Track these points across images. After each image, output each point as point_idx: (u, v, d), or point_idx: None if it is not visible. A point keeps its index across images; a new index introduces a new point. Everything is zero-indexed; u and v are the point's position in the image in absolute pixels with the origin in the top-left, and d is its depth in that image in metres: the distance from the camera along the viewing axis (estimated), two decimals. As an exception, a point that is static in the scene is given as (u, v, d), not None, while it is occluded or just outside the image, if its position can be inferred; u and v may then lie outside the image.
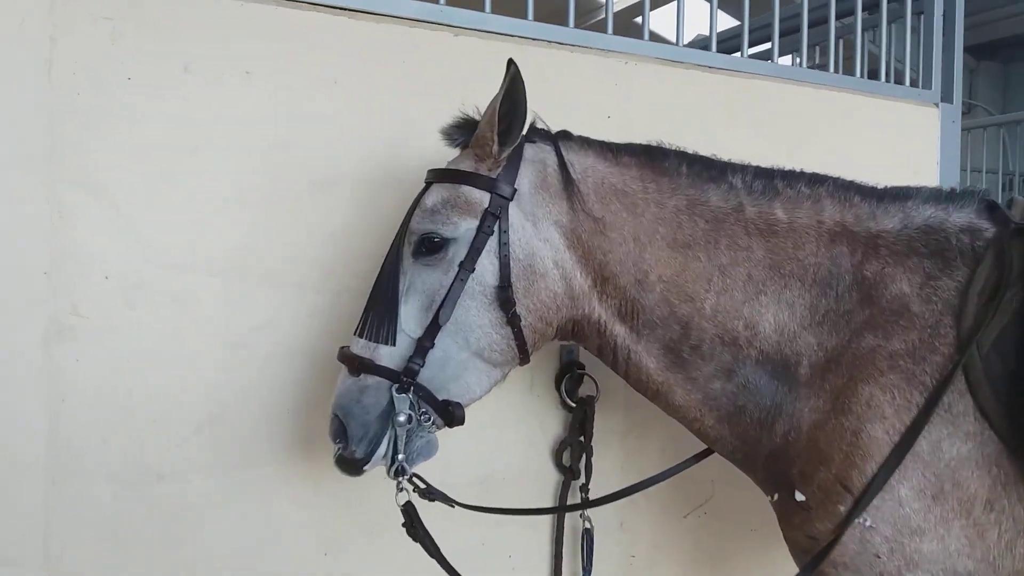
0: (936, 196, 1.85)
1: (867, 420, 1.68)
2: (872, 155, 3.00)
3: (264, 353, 2.18)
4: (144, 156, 2.05)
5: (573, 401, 2.46)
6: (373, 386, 1.82)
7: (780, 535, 2.77)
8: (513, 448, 2.45)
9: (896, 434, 1.65)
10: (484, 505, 2.12)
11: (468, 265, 1.81)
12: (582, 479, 2.45)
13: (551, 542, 2.50)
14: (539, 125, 1.97)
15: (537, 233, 1.86)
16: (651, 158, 1.93)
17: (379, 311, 1.85)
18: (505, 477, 2.44)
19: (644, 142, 1.97)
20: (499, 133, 1.82)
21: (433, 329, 1.81)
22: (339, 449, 1.87)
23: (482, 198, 1.85)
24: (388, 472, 1.86)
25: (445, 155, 2.30)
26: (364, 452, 1.83)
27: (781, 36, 3.01)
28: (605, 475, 2.49)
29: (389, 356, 1.82)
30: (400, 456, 1.83)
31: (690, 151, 1.96)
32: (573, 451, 2.46)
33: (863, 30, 3.21)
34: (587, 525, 2.41)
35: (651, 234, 1.86)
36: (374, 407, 1.82)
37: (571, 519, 2.49)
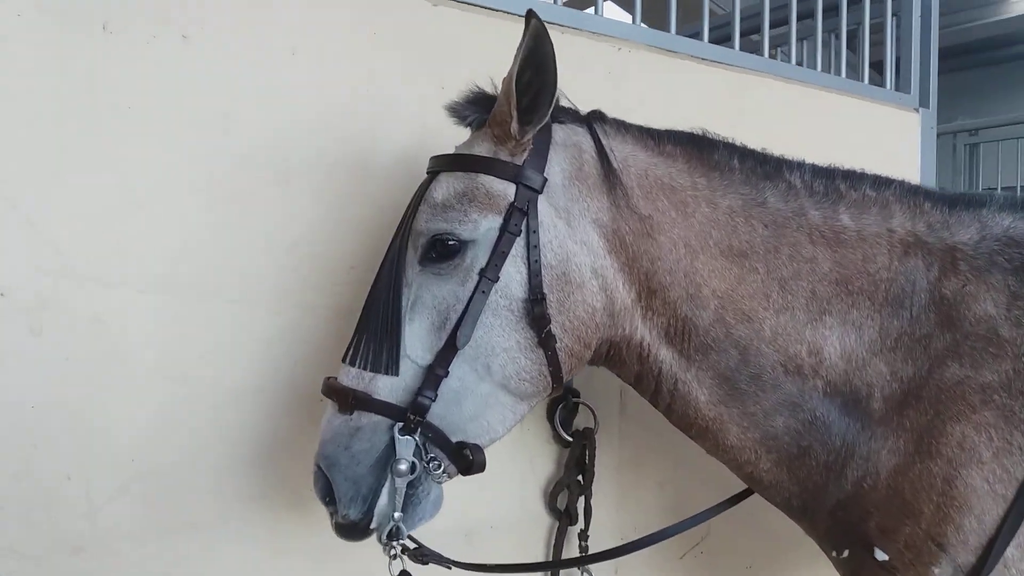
0: (1012, 204, 1.63)
1: (961, 465, 1.43)
2: (856, 157, 2.81)
3: (209, 389, 1.76)
4: (50, 138, 1.61)
5: (569, 434, 2.13)
6: (368, 427, 1.47)
7: (778, 571, 2.56)
8: (501, 492, 2.10)
9: (997, 481, 1.41)
10: (475, 562, 1.75)
11: (491, 273, 1.47)
12: (579, 523, 2.13)
13: (543, 596, 2.17)
14: (564, 103, 1.64)
15: (572, 233, 1.53)
16: (699, 149, 1.64)
17: (376, 333, 1.49)
18: (493, 526, 2.09)
19: (687, 130, 1.67)
20: (521, 109, 1.48)
21: (447, 353, 1.46)
22: (331, 512, 1.51)
23: (506, 190, 1.51)
24: (379, 536, 1.49)
25: (427, 141, 1.96)
26: (359, 513, 1.47)
27: (754, 31, 2.79)
28: (600, 512, 2.17)
29: (390, 388, 1.47)
30: (397, 514, 1.47)
31: (738, 142, 1.67)
32: (570, 492, 2.13)
33: (846, 30, 3.03)
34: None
35: (703, 239, 1.57)
36: (366, 455, 1.46)
37: (566, 571, 2.16)
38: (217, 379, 1.77)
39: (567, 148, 1.58)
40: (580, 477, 2.13)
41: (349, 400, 1.46)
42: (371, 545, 1.53)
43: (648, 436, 2.32)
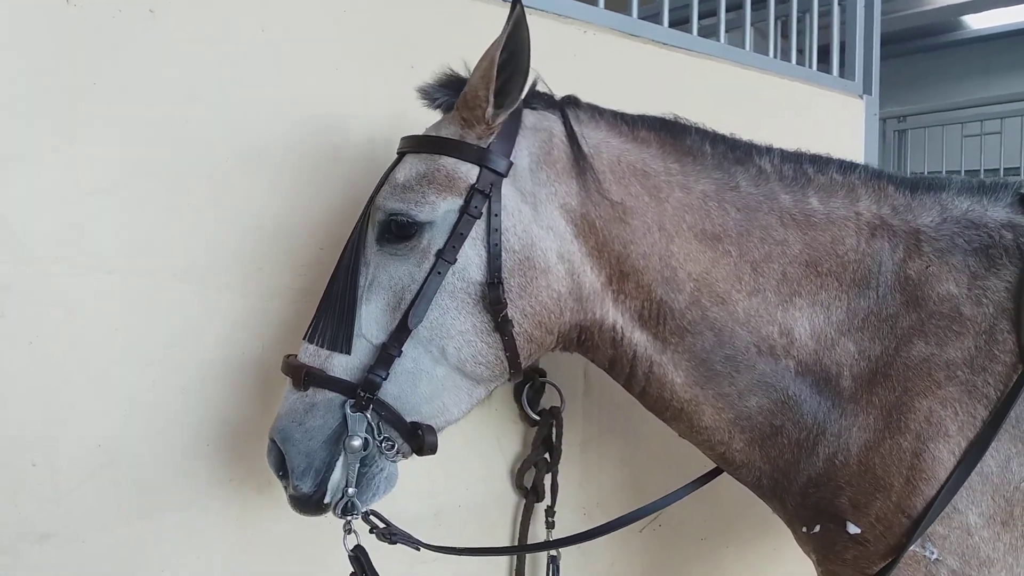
0: (969, 187, 1.70)
1: (929, 439, 1.49)
2: (804, 142, 2.89)
3: (176, 372, 1.72)
4: (10, 117, 1.54)
5: (536, 413, 2.15)
6: (322, 403, 1.48)
7: (730, 543, 2.64)
8: (469, 471, 2.11)
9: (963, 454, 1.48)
10: (443, 545, 1.75)
11: (448, 255, 1.48)
12: (546, 500, 2.16)
13: (510, 571, 2.18)
14: (540, 88, 1.65)
15: (537, 218, 1.54)
16: (672, 134, 1.66)
17: (333, 311, 1.50)
18: (461, 504, 2.10)
19: (659, 115, 1.69)
20: (495, 92, 1.48)
21: (400, 334, 1.47)
22: (285, 486, 1.53)
23: (468, 172, 1.51)
24: (333, 508, 1.51)
25: (396, 121, 1.94)
26: (312, 486, 1.49)
27: (706, 15, 2.84)
28: (564, 488, 2.19)
29: (344, 366, 1.48)
30: (351, 490, 1.49)
31: (708, 127, 1.70)
32: (537, 469, 2.15)
33: (796, 16, 3.10)
34: (552, 552, 2.12)
35: (677, 223, 1.59)
36: (319, 430, 1.48)
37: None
38: (184, 362, 1.73)
39: (537, 133, 1.58)
40: (547, 455, 2.15)
41: (302, 376, 1.47)
42: (340, 529, 1.55)
43: (610, 415, 2.36)
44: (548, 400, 2.19)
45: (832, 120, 3.09)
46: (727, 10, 2.85)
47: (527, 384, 2.16)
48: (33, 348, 1.55)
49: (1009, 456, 1.47)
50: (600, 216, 1.56)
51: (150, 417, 1.68)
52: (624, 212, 1.57)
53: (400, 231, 1.50)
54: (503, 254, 1.50)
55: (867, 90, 3.24)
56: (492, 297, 1.49)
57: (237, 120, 1.78)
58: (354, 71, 1.92)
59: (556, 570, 2.12)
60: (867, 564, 1.52)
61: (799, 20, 3.14)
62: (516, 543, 2.17)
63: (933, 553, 1.47)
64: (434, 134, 1.58)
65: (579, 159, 1.57)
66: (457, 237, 1.48)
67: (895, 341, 1.57)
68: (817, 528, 1.61)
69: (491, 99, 1.48)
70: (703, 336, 1.59)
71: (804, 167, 1.68)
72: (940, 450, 1.48)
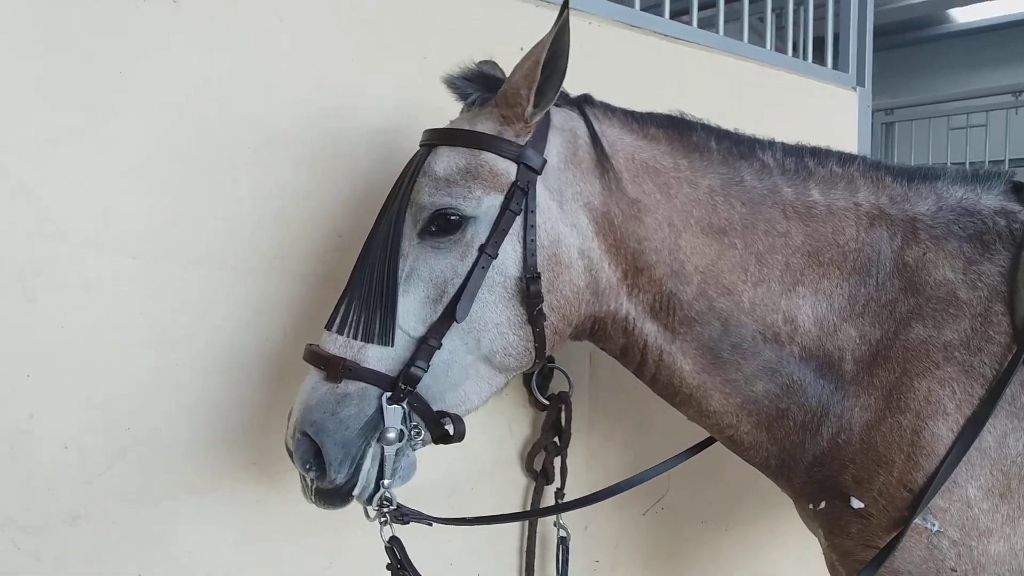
0: (963, 176, 1.77)
1: (928, 417, 1.56)
2: (798, 134, 2.96)
3: (200, 355, 1.76)
4: (40, 104, 1.58)
5: (545, 398, 2.21)
6: (355, 393, 1.49)
7: (730, 525, 2.71)
8: (481, 454, 2.17)
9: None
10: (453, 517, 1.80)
11: (491, 250, 1.52)
12: (555, 482, 2.22)
13: (520, 553, 2.25)
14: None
15: (563, 216, 1.59)
16: (679, 131, 1.72)
17: (369, 303, 1.51)
18: (473, 487, 2.16)
19: (666, 112, 1.75)
20: (536, 92, 1.52)
21: (443, 326, 1.50)
22: (313, 478, 1.50)
23: (508, 169, 1.55)
24: (369, 500, 1.53)
25: (411, 111, 1.99)
26: (346, 476, 1.49)
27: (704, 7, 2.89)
28: (571, 471, 2.25)
29: (380, 358, 1.50)
30: (386, 481, 1.51)
31: (712, 123, 1.76)
32: (547, 453, 2.21)
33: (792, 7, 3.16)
34: (562, 533, 2.18)
35: (685, 218, 1.65)
36: (354, 419, 1.48)
37: (542, 528, 2.26)
38: (208, 346, 1.77)
39: (563, 132, 1.63)
40: (556, 439, 2.21)
41: (339, 369, 1.47)
42: (356, 509, 1.58)
43: (615, 400, 2.42)
44: (557, 385, 2.24)
45: (826, 112, 3.16)
46: (726, 1, 2.90)
47: (536, 370, 2.21)
48: (63, 332, 1.59)
49: (1006, 432, 1.54)
50: (619, 214, 1.62)
51: (175, 401, 1.73)
52: (639, 210, 1.63)
53: (446, 224, 1.52)
54: (538, 250, 1.55)
55: (860, 82, 3.30)
56: (532, 291, 1.53)
57: (258, 108, 1.82)
58: (370, 61, 1.97)
59: (566, 551, 2.18)
60: (871, 537, 1.59)
61: (794, 12, 3.20)
62: (527, 524, 2.23)
63: (935, 525, 1.53)
64: (469, 128, 1.60)
65: (602, 159, 1.62)
66: (499, 233, 1.52)
67: (894, 325, 1.63)
68: (823, 504, 1.67)
69: (532, 98, 1.52)
70: (710, 325, 1.65)
71: (805, 160, 1.74)
72: (939, 427, 1.54)
